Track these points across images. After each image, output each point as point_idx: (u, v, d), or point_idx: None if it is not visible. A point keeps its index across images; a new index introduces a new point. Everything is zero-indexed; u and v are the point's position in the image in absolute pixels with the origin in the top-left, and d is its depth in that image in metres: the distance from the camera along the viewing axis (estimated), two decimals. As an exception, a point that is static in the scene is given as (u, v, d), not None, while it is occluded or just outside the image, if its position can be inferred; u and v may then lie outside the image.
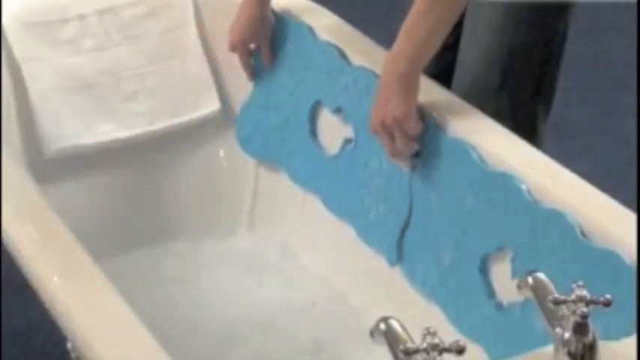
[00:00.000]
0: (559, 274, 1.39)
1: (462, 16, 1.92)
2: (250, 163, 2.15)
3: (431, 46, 1.69)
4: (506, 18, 1.87)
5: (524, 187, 1.58)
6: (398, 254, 1.81)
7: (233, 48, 2.06)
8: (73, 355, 1.76)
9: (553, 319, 1.17)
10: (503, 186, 1.61)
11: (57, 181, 2.02)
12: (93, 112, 2.04)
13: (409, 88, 1.69)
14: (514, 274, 1.58)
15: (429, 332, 1.09)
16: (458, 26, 1.94)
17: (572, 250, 1.49)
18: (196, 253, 2.13)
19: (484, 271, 1.66)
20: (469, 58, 1.93)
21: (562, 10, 1.90)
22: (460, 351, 1.09)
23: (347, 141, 1.93)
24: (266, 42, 2.05)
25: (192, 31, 2.13)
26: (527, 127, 1.74)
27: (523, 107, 1.89)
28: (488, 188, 1.63)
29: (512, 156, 1.65)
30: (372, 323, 1.14)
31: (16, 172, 1.70)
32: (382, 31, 1.92)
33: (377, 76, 1.83)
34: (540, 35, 1.89)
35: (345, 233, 1.93)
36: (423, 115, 1.75)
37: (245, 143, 2.14)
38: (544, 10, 1.87)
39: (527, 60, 1.90)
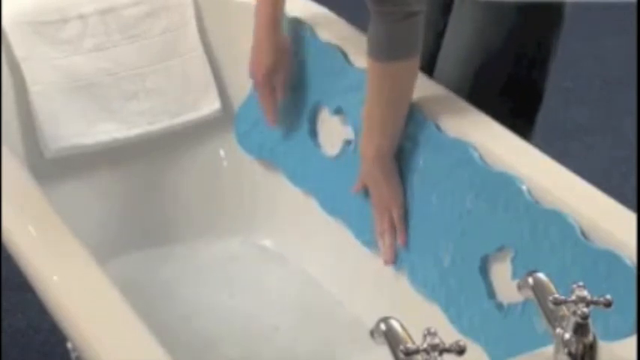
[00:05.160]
0: (559, 274, 1.39)
1: (452, 3, 1.92)
2: (250, 163, 2.15)
3: (393, 123, 1.75)
4: (487, 17, 1.87)
5: (524, 187, 1.58)
6: (398, 256, 1.82)
7: (258, 83, 1.99)
8: (73, 355, 1.76)
9: (553, 320, 1.17)
10: (503, 186, 1.61)
11: (57, 181, 2.02)
12: (93, 112, 2.04)
13: (389, 164, 1.77)
14: (514, 275, 1.58)
15: (429, 332, 1.09)
16: (448, 12, 1.94)
17: (572, 250, 1.49)
18: (196, 253, 2.13)
19: (484, 271, 1.66)
20: (448, 54, 1.93)
21: (552, 18, 1.89)
22: (460, 351, 1.09)
23: (347, 142, 1.93)
24: (288, 71, 2.00)
25: (193, 31, 2.13)
26: None
27: (496, 107, 1.87)
28: (489, 188, 1.63)
29: (513, 156, 1.65)
30: (371, 324, 1.14)
31: (16, 172, 1.70)
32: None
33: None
34: (522, 38, 1.88)
35: (344, 234, 1.93)
36: (424, 115, 1.76)
37: (243, 140, 2.14)
38: (534, 13, 1.86)
39: (501, 60, 1.90)
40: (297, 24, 2.01)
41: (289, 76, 2.00)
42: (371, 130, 1.76)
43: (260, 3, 1.95)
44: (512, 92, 1.92)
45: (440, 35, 1.96)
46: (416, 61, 1.70)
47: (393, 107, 1.74)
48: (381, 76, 1.71)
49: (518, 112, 1.92)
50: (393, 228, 1.80)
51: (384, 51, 1.67)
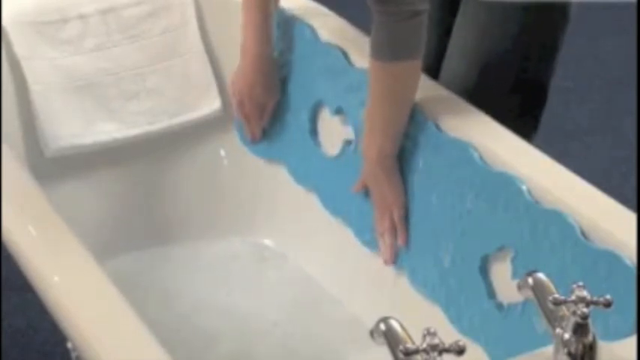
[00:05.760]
0: (559, 274, 1.40)
1: (458, 2, 1.92)
2: (251, 162, 2.15)
3: (396, 123, 1.74)
4: (492, 17, 1.87)
5: (524, 187, 1.58)
6: (398, 256, 1.82)
7: (246, 115, 2.04)
8: (73, 355, 1.76)
9: (553, 320, 1.17)
10: (503, 186, 1.61)
11: (57, 181, 2.02)
12: (94, 111, 2.04)
13: (390, 165, 1.77)
14: (514, 275, 1.58)
15: (429, 332, 1.09)
16: (454, 11, 1.95)
17: (572, 250, 1.49)
18: (196, 253, 2.13)
19: (484, 271, 1.66)
20: (454, 55, 1.94)
21: (556, 18, 1.89)
22: (460, 351, 1.09)
23: (347, 142, 1.93)
24: (276, 100, 2.03)
25: (193, 31, 2.13)
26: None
27: (501, 107, 1.87)
28: (489, 188, 1.63)
29: (513, 156, 1.65)
30: (371, 324, 1.14)
31: (16, 171, 1.70)
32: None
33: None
34: (527, 38, 1.88)
35: (344, 234, 1.93)
36: (424, 115, 1.76)
37: (245, 139, 2.14)
38: (538, 13, 1.87)
39: (507, 60, 1.90)
40: (298, 24, 2.01)
41: (275, 103, 2.03)
42: (373, 131, 1.76)
43: (247, 39, 1.96)
44: (518, 92, 1.92)
45: (445, 34, 1.96)
46: (419, 62, 1.70)
47: (396, 108, 1.74)
48: (384, 77, 1.70)
49: (524, 111, 1.93)
50: (393, 228, 1.80)
51: (387, 51, 1.67)
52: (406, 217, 1.80)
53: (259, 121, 2.06)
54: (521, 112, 1.92)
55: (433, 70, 1.94)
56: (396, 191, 1.78)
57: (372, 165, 1.78)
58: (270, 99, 2.02)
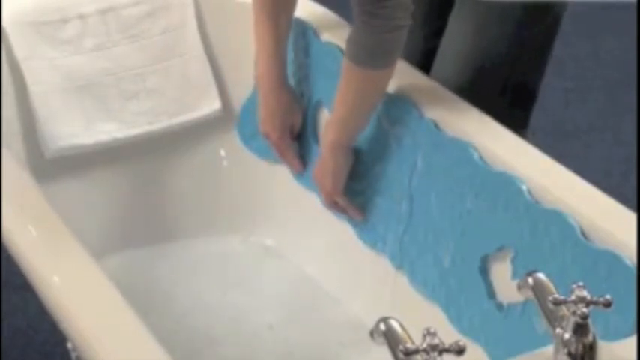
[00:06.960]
0: (559, 274, 1.40)
1: (451, 1, 1.93)
2: (251, 162, 2.15)
3: (356, 122, 1.80)
4: (489, 18, 1.87)
5: (524, 187, 1.58)
6: (396, 255, 1.82)
7: (275, 144, 2.01)
8: (73, 355, 1.76)
9: (553, 320, 1.18)
10: (503, 186, 1.61)
11: (57, 181, 2.02)
12: (93, 111, 2.04)
13: (341, 157, 1.82)
14: (514, 275, 1.58)
15: (429, 332, 1.09)
16: (445, 11, 1.95)
17: (572, 250, 1.49)
18: (196, 252, 2.13)
19: (484, 271, 1.66)
20: (448, 53, 1.94)
21: (551, 19, 1.90)
22: (460, 351, 1.09)
23: (347, 141, 1.93)
24: (299, 119, 2.01)
25: (193, 31, 2.13)
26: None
27: (491, 107, 1.88)
28: (489, 188, 1.64)
29: (513, 156, 1.65)
30: (371, 324, 1.14)
31: (16, 172, 1.70)
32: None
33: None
34: (523, 39, 1.89)
35: (344, 234, 1.93)
36: (424, 114, 1.76)
37: (246, 140, 2.14)
38: (535, 14, 1.87)
39: (501, 61, 1.90)
40: (299, 24, 2.01)
41: (301, 121, 2.01)
42: (333, 122, 1.81)
43: (261, 65, 1.95)
44: (507, 92, 1.92)
45: (432, 35, 1.97)
46: (393, 69, 1.74)
47: (362, 108, 1.78)
48: (358, 79, 1.74)
49: (514, 111, 1.93)
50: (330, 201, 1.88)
51: (368, 58, 1.71)
52: (406, 217, 1.80)
53: (294, 150, 2.04)
54: (511, 112, 1.92)
55: (422, 69, 1.94)
56: (336, 183, 1.84)
57: (324, 152, 1.82)
58: (294, 119, 2.01)
